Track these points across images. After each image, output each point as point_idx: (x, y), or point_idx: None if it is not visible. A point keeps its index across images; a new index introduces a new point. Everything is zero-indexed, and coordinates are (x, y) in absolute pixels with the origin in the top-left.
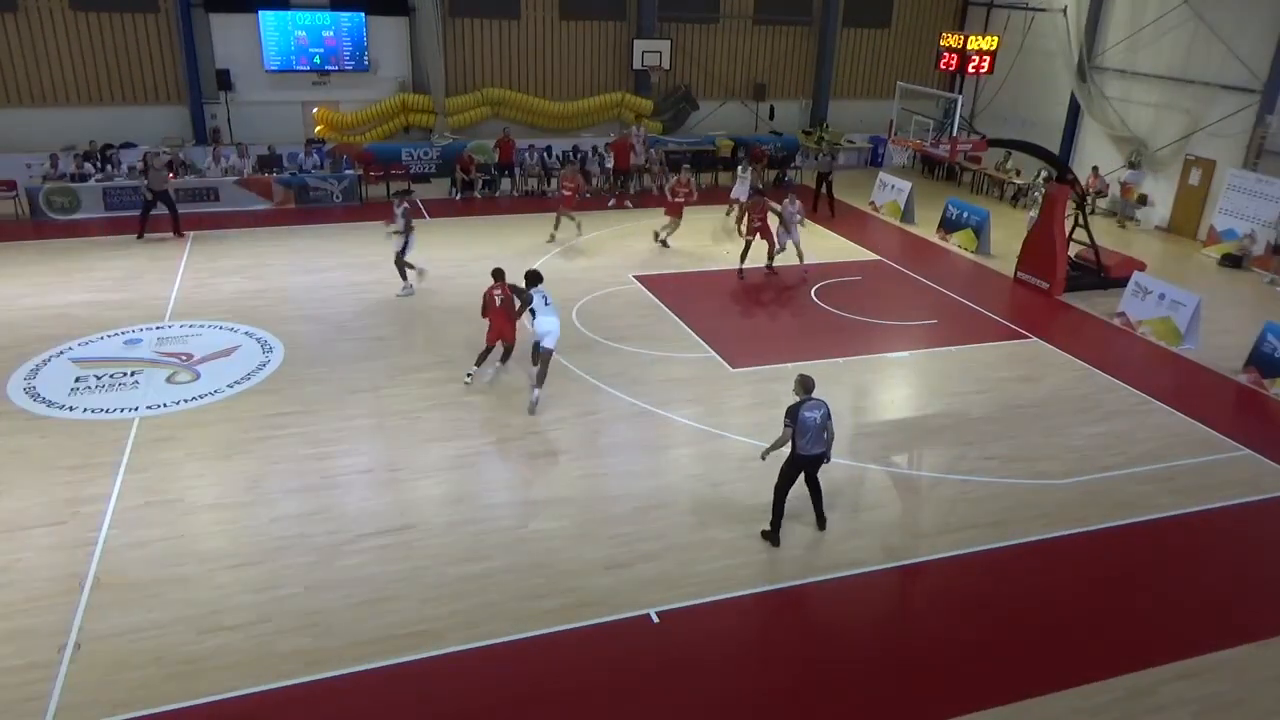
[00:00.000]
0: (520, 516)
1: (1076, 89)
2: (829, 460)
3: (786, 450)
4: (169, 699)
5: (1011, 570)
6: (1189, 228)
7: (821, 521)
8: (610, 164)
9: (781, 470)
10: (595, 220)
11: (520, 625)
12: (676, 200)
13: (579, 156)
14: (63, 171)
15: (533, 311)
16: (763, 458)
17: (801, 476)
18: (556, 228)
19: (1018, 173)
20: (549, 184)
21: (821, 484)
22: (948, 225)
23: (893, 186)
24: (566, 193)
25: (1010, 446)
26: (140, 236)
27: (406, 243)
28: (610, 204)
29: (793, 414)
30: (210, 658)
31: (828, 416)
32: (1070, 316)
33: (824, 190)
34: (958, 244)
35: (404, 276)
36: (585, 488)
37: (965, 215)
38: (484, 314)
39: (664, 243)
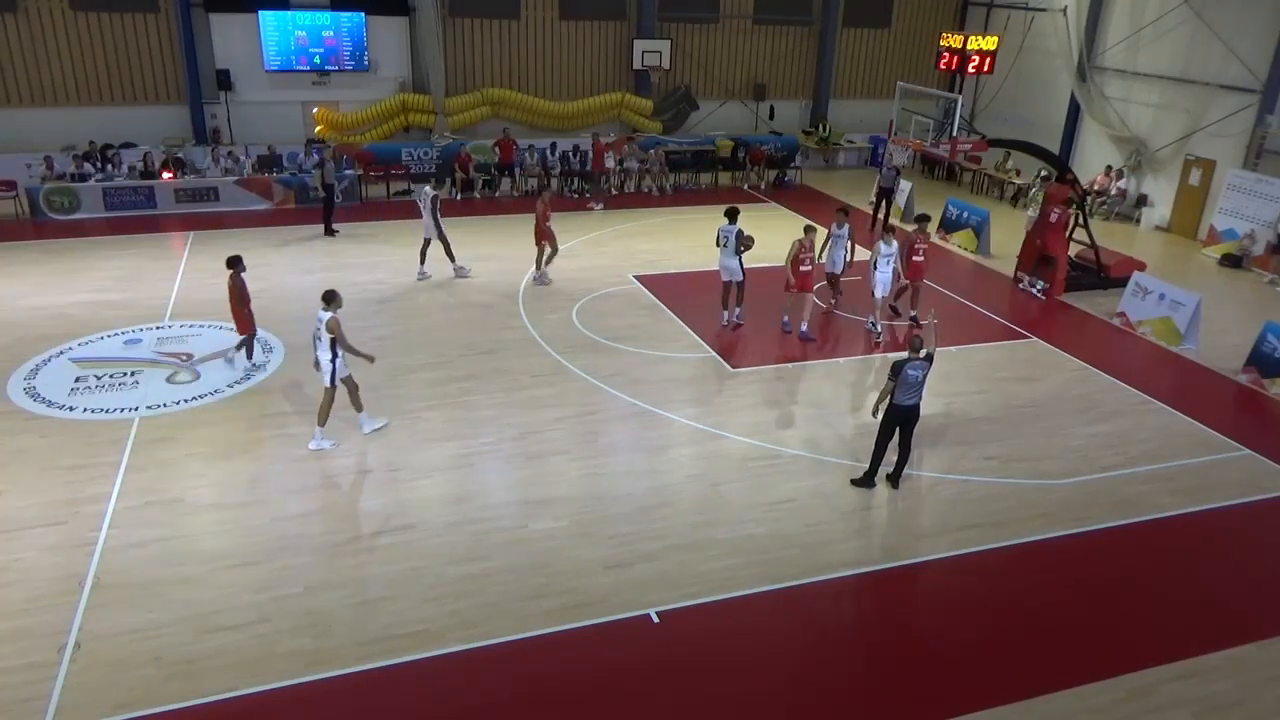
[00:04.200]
0: (520, 516)
1: (1076, 89)
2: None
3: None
4: (169, 699)
5: (1011, 570)
6: (1189, 228)
7: (896, 480)
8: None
9: (882, 419)
10: (594, 220)
11: (520, 625)
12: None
13: (578, 156)
14: (59, 172)
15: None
16: (874, 415)
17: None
18: (424, 262)
19: (1018, 173)
20: (548, 185)
21: (913, 444)
22: (948, 225)
23: None
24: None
25: (1010, 446)
26: (330, 233)
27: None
28: (591, 206)
29: (896, 369)
30: (210, 658)
31: (927, 374)
32: (1070, 316)
33: (882, 207)
34: (958, 244)
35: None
36: (585, 488)
37: (966, 215)
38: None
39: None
